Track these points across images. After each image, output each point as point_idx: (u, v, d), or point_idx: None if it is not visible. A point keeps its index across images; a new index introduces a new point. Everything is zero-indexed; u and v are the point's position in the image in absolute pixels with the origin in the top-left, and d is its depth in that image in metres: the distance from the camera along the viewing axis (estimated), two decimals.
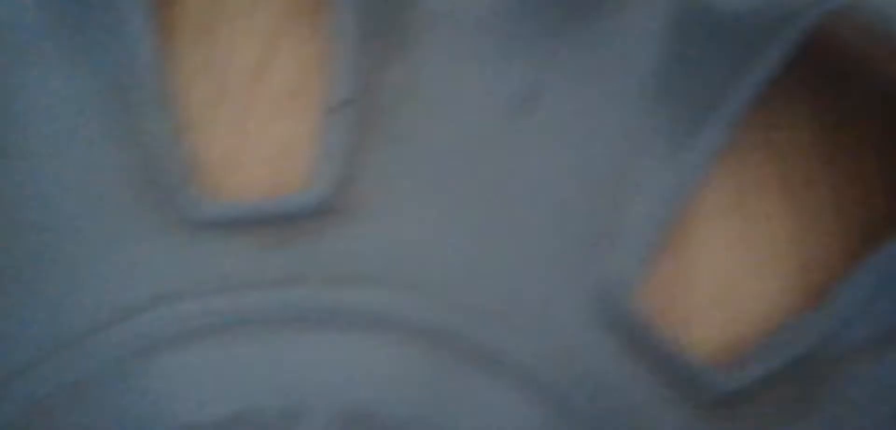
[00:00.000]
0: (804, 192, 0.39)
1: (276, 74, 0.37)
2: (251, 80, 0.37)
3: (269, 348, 0.33)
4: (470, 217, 0.34)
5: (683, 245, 0.38)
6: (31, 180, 0.33)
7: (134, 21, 0.33)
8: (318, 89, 0.37)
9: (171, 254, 0.33)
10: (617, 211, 0.35)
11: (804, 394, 0.35)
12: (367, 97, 0.36)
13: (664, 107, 0.36)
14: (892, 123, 0.40)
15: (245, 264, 0.33)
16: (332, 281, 0.34)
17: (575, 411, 0.34)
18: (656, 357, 0.35)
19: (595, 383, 0.34)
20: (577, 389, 0.34)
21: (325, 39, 0.36)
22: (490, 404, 0.33)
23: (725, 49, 0.35)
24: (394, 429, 0.32)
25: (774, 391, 0.35)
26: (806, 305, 0.37)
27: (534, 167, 0.35)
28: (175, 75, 0.35)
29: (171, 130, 0.34)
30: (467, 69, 0.35)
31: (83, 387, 0.32)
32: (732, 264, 0.38)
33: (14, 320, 0.32)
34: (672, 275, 0.37)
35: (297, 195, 0.34)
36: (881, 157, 0.40)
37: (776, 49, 0.35)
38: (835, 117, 0.39)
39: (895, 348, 0.36)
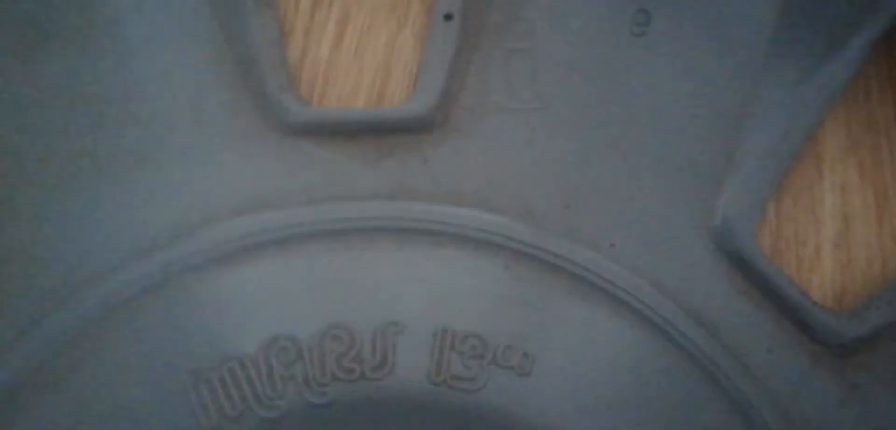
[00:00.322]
0: None
1: None
2: None
3: (363, 262, 0.31)
4: (580, 139, 0.33)
5: (801, 186, 0.36)
6: (140, 75, 0.32)
7: None
8: (421, 1, 0.36)
9: (269, 159, 0.32)
10: (736, 146, 0.33)
11: None
12: (473, 11, 0.35)
13: (783, 48, 0.34)
14: None
15: (342, 174, 0.32)
16: (431, 198, 0.32)
17: (686, 345, 0.32)
18: (776, 297, 0.32)
19: (711, 319, 0.32)
20: (692, 324, 0.32)
21: None
22: (590, 331, 0.31)
23: None
24: (490, 350, 0.31)
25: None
26: None
27: (648, 93, 0.33)
28: None
29: (275, 34, 0.33)
30: None
31: (163, 293, 0.30)
32: (849, 207, 0.36)
33: (101, 222, 0.31)
34: (791, 214, 0.35)
35: (399, 107, 0.33)
36: None
37: None
38: None
39: None
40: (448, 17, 0.35)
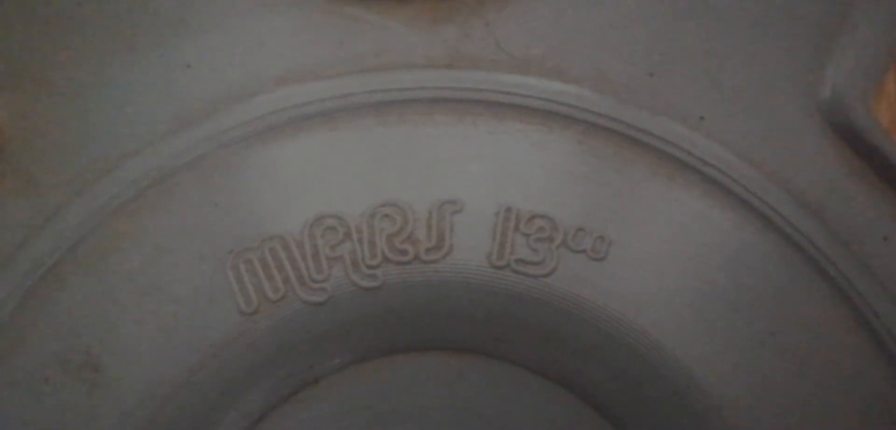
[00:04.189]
0: None
1: None
2: None
3: (418, 136, 0.28)
4: (669, 3, 0.29)
5: None
6: None
7: None
8: None
9: (314, 25, 0.29)
10: (850, 3, 0.29)
11: None
12: None
13: None
14: None
15: (395, 41, 0.29)
16: (494, 65, 0.28)
17: (787, 230, 0.28)
18: (888, 177, 0.29)
19: (817, 201, 0.28)
20: (794, 206, 0.28)
21: None
22: (675, 212, 0.27)
23: None
24: (560, 232, 0.27)
25: None
26: None
27: None
28: None
29: None
30: None
31: (202, 168, 0.27)
32: None
33: (138, 93, 0.28)
34: None
35: None
36: None
37: None
38: None
39: None
40: None
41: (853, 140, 0.28)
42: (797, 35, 0.29)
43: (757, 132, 0.28)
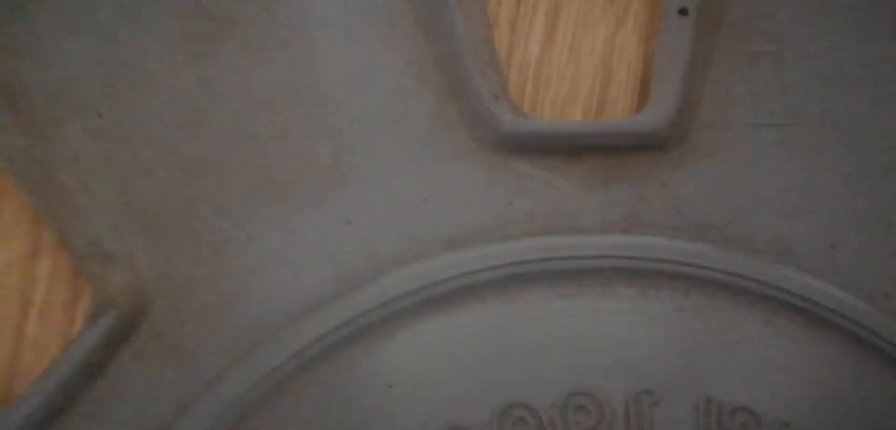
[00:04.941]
0: None
1: None
2: None
3: (602, 312, 0.26)
4: (843, 163, 0.27)
5: None
6: (329, 77, 0.27)
7: None
8: None
9: (479, 181, 0.27)
10: None
11: None
12: (710, 5, 0.30)
13: None
14: None
15: (565, 200, 0.27)
16: (673, 232, 0.27)
17: None
18: None
19: None
20: None
21: None
22: (875, 402, 0.26)
23: None
24: (763, 427, 0.25)
25: None
26: None
27: None
28: None
29: (483, 30, 0.28)
30: None
31: (365, 345, 0.25)
32: None
33: (289, 255, 0.26)
34: None
35: (632, 121, 0.27)
36: None
37: None
38: None
39: None
40: (683, 11, 0.29)
41: None
42: None
43: None
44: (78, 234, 0.26)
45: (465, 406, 0.25)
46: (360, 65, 0.28)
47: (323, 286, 0.26)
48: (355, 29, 0.28)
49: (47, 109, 0.27)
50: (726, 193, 0.28)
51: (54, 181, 0.27)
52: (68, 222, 0.27)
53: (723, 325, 0.26)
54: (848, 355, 0.26)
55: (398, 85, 0.28)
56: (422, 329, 0.26)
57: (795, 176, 0.28)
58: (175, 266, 0.26)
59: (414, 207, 0.27)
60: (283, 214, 0.27)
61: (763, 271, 0.27)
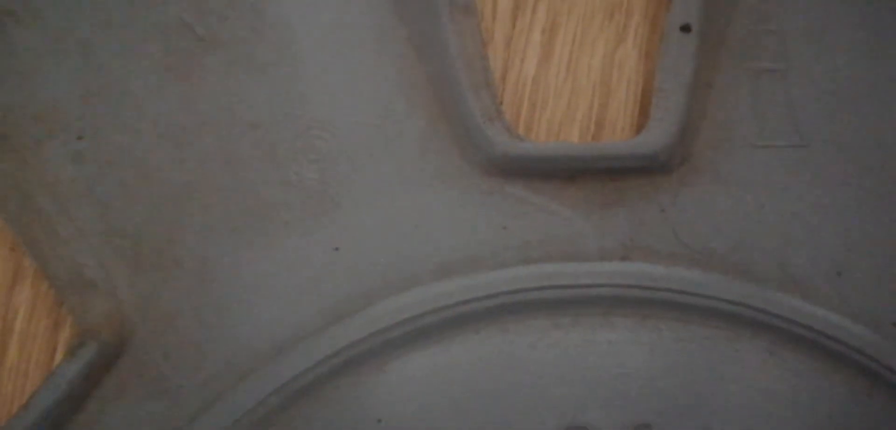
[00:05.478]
0: None
1: None
2: None
3: (599, 343, 0.25)
4: (851, 186, 0.26)
5: None
6: (317, 97, 0.26)
7: None
8: (646, 5, 0.29)
9: (471, 205, 0.26)
10: None
11: None
12: (713, 21, 0.29)
13: None
14: None
15: (562, 226, 0.26)
16: (673, 259, 0.26)
17: None
18: None
19: None
20: None
21: None
22: None
23: None
24: None
25: None
26: None
27: None
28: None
29: (476, 47, 0.27)
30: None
31: (354, 378, 0.24)
32: None
33: (276, 282, 0.25)
34: None
35: (631, 143, 0.26)
36: None
37: None
38: None
39: None
40: (686, 28, 0.29)
41: None
42: None
43: None
44: (58, 261, 0.26)
45: None
46: (349, 85, 0.27)
47: (310, 316, 0.25)
48: (344, 48, 0.27)
49: (26, 131, 0.26)
50: (729, 218, 0.27)
51: (33, 206, 0.26)
52: (48, 249, 0.26)
53: (724, 356, 0.25)
54: (855, 387, 0.26)
55: (388, 106, 0.27)
56: (413, 361, 0.25)
57: (801, 200, 0.27)
58: (158, 295, 0.26)
59: (404, 233, 0.26)
60: (269, 240, 0.26)
61: (766, 300, 0.26)
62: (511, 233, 0.26)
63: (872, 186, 0.27)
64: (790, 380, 0.25)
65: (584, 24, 0.29)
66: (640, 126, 0.28)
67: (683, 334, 0.25)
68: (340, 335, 0.25)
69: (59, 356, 0.26)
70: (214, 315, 0.25)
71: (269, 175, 0.26)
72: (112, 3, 0.27)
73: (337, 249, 0.26)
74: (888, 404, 0.25)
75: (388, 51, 0.27)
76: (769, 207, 0.27)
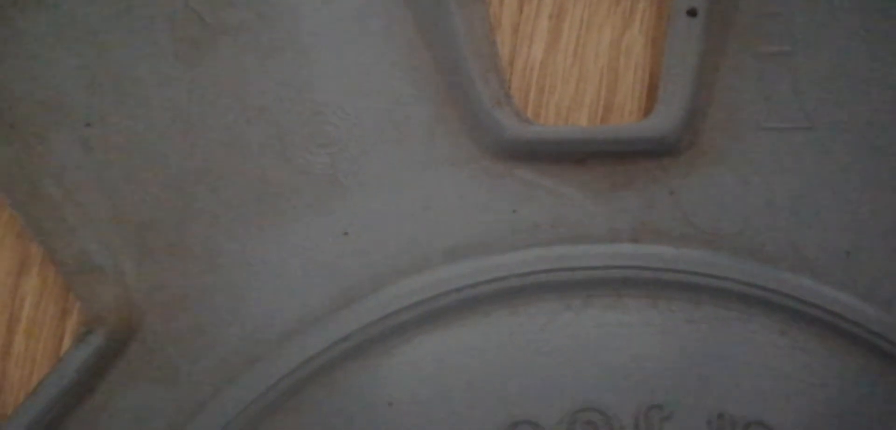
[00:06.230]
0: None
1: None
2: None
3: (609, 323, 0.25)
4: (859, 167, 0.26)
5: None
6: (325, 82, 0.26)
7: None
8: None
9: (481, 190, 0.26)
10: None
11: None
12: (719, 5, 0.28)
13: None
14: None
15: (571, 209, 0.26)
16: (683, 240, 0.26)
17: None
18: None
19: None
20: None
21: None
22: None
23: None
24: None
25: None
26: None
27: None
28: None
29: (484, 32, 0.27)
30: None
31: (362, 362, 0.24)
32: None
33: (285, 268, 0.25)
34: None
35: (640, 125, 0.26)
36: None
37: None
38: None
39: None
40: (692, 12, 0.29)
41: None
42: None
43: None
44: (66, 248, 0.26)
45: (469, 424, 0.24)
46: (358, 71, 0.27)
47: (320, 300, 0.25)
48: (352, 33, 0.27)
49: (33, 119, 0.26)
50: (738, 200, 0.27)
51: (41, 194, 0.26)
52: (56, 236, 0.26)
53: (736, 336, 0.25)
54: (866, 366, 0.25)
55: (397, 91, 0.27)
56: (423, 344, 0.25)
57: (809, 181, 0.27)
58: (167, 281, 0.25)
59: (414, 217, 0.26)
60: (279, 225, 0.26)
61: (777, 280, 0.26)
62: (520, 216, 0.26)
63: (880, 167, 0.27)
64: (801, 359, 0.25)
65: (590, 10, 0.29)
66: (647, 110, 0.28)
67: (695, 315, 0.25)
68: (350, 320, 0.25)
69: (66, 344, 0.26)
70: (224, 301, 0.25)
71: (278, 161, 0.26)
72: None
73: (346, 233, 0.26)
74: None
75: (395, 37, 0.27)
76: (777, 188, 0.27)
